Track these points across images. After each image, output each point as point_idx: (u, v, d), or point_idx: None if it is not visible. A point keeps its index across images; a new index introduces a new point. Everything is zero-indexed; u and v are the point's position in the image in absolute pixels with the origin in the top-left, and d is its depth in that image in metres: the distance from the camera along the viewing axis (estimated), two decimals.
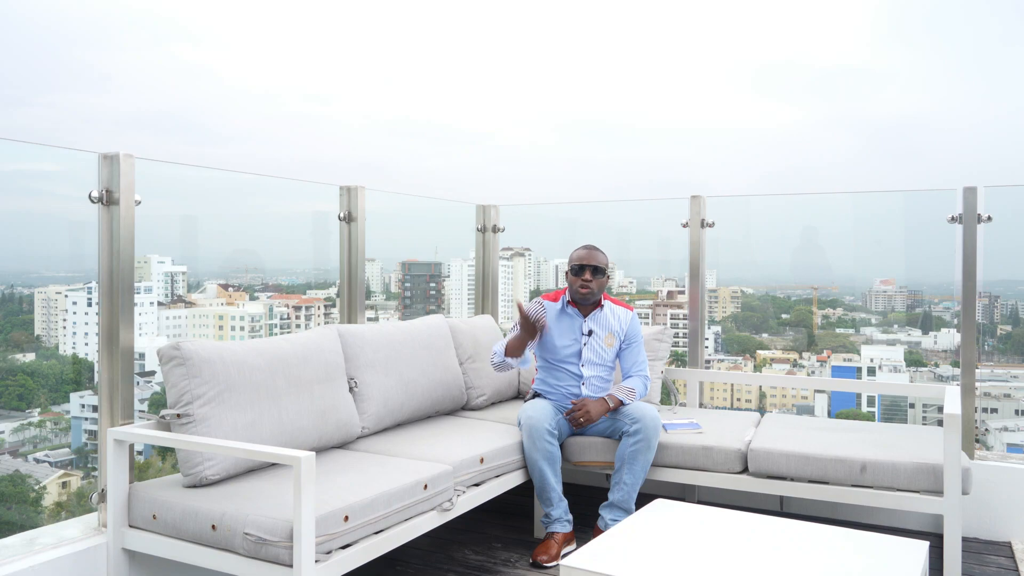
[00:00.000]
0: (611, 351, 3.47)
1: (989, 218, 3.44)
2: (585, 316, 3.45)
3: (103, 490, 2.58)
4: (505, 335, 3.53)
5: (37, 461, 6.42)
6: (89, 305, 6.52)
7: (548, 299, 3.52)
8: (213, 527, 2.31)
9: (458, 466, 2.91)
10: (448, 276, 7.91)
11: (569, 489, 3.51)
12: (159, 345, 2.60)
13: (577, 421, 3.29)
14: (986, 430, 7.86)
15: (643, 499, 2.97)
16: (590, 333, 3.44)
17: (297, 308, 7.42)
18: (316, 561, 2.21)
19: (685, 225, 4.07)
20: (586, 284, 3.36)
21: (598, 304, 3.47)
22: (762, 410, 8.38)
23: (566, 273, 3.46)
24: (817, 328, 9.39)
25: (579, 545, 3.23)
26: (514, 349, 3.31)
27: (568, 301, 3.47)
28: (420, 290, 7.94)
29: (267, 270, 7.72)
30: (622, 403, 3.32)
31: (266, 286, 7.52)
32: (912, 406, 7.88)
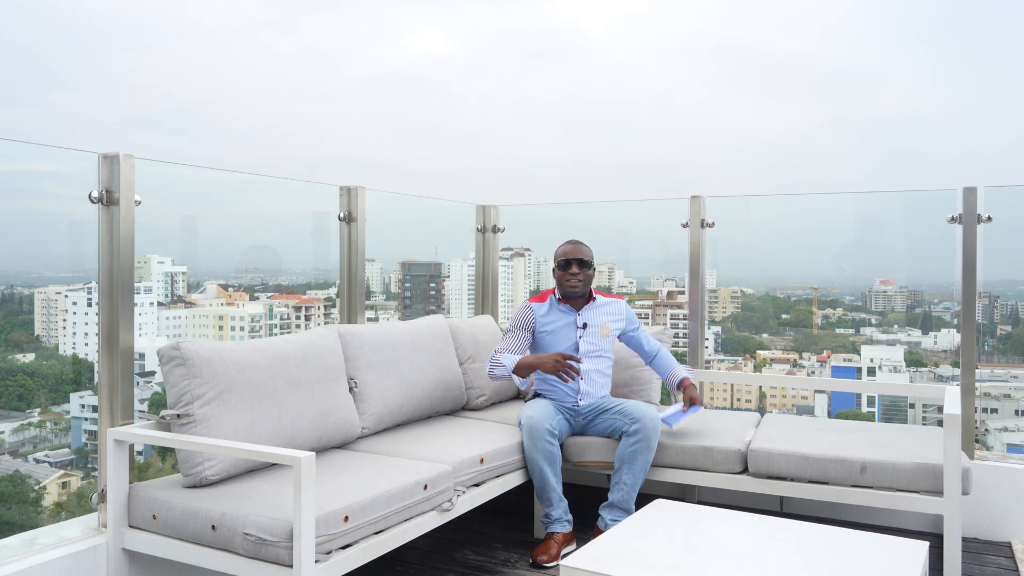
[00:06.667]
0: (608, 341, 3.48)
1: (989, 218, 3.44)
2: (578, 310, 3.46)
3: (103, 490, 2.58)
4: (504, 335, 3.52)
5: (37, 461, 6.41)
6: (89, 305, 6.51)
7: (535, 301, 3.53)
8: (213, 527, 2.31)
9: (458, 466, 2.91)
10: (448, 276, 7.89)
11: (569, 489, 3.51)
12: (159, 345, 2.59)
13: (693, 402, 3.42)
14: (986, 430, 7.86)
15: (643, 499, 2.97)
16: (585, 326, 3.44)
17: (297, 308, 7.41)
18: (316, 561, 2.21)
19: (685, 225, 4.07)
20: (574, 277, 3.39)
21: (589, 297, 3.49)
22: (762, 410, 8.38)
23: (553, 270, 3.50)
24: (817, 328, 9.38)
25: (579, 545, 3.23)
26: (526, 370, 3.30)
27: (559, 299, 3.48)
28: (420, 290, 7.93)
29: (267, 270, 7.71)
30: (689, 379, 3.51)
31: (266, 286, 7.52)
32: (912, 406, 7.87)
